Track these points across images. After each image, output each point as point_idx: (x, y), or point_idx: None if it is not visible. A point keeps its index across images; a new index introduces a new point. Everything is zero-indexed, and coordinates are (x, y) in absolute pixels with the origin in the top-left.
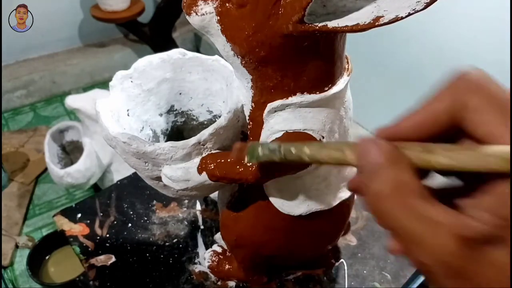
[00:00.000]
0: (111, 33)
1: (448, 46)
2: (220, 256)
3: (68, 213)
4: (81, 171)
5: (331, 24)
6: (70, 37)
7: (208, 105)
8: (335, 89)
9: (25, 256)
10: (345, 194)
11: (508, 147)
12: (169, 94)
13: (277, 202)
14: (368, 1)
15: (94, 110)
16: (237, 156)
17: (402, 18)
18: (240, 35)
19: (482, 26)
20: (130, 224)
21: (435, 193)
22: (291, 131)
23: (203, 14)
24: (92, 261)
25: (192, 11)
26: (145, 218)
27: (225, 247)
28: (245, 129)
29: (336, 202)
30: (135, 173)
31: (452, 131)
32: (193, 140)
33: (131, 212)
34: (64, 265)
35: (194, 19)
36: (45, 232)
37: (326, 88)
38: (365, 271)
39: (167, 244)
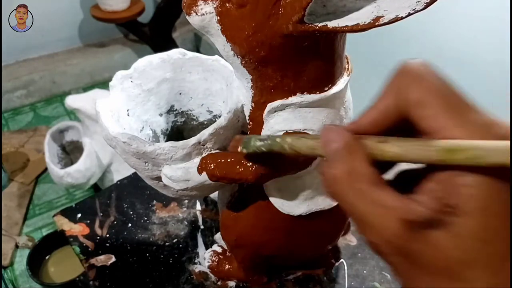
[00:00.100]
0: (111, 33)
1: (448, 46)
2: (220, 256)
3: (68, 213)
4: (81, 171)
5: (331, 24)
6: (70, 37)
7: (208, 105)
8: (335, 89)
9: (25, 256)
10: None
11: (447, 141)
12: (169, 94)
13: (277, 202)
14: (368, 1)
15: (94, 110)
16: (232, 145)
17: (402, 18)
18: (240, 35)
19: (482, 26)
20: (130, 224)
21: (399, 177)
22: (291, 131)
23: (203, 14)
24: (92, 261)
25: (192, 11)
26: (145, 218)
27: (225, 247)
28: (245, 129)
29: (336, 202)
30: (135, 173)
31: (409, 124)
32: (193, 140)
33: (131, 212)
34: (64, 265)
35: (194, 19)
36: (45, 232)
37: (326, 88)
38: (365, 271)
39: (167, 244)
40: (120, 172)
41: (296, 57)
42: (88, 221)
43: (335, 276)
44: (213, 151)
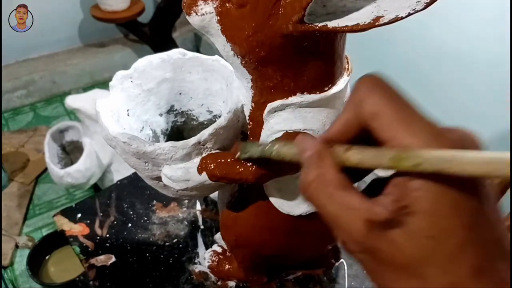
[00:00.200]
0: (111, 33)
1: (448, 46)
2: (220, 256)
3: (68, 213)
4: (81, 171)
5: (331, 24)
6: (70, 37)
7: (208, 105)
8: (335, 89)
9: (25, 256)
10: None
11: (395, 150)
12: (169, 94)
13: (277, 202)
14: (368, 1)
15: (94, 110)
16: (233, 150)
17: (402, 18)
18: (240, 35)
19: (482, 26)
20: (130, 224)
21: (374, 183)
22: (291, 131)
23: (203, 14)
24: (92, 261)
25: (192, 11)
26: (145, 218)
27: (225, 247)
28: (245, 129)
29: None
30: (135, 173)
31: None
32: (193, 140)
33: (131, 212)
34: (64, 265)
35: (194, 19)
36: (45, 232)
37: (326, 88)
38: (365, 271)
39: (167, 244)
40: (120, 172)
41: (296, 57)
42: (88, 221)
43: (335, 276)
44: (213, 151)
